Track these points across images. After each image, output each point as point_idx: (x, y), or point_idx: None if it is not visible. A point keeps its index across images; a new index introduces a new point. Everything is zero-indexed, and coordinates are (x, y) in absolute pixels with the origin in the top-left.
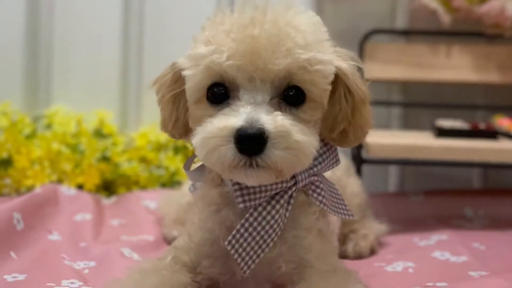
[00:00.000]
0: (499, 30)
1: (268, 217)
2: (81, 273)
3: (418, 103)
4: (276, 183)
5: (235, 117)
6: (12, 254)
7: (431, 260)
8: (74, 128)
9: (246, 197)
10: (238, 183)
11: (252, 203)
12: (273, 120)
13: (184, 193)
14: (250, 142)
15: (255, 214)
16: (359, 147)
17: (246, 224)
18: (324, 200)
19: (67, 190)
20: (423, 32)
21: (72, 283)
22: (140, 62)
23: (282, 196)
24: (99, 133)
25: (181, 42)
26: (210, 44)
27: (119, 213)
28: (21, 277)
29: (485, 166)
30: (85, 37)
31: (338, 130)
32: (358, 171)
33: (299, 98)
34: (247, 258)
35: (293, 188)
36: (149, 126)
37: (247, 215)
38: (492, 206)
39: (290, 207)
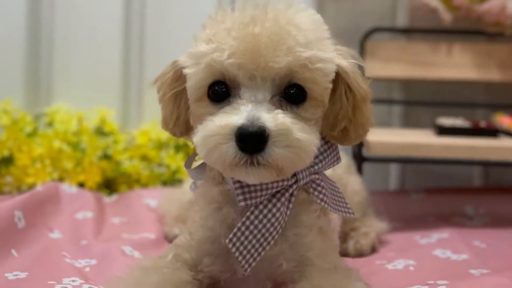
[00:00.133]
0: (500, 28)
1: (269, 215)
2: (82, 271)
3: (419, 101)
4: (277, 181)
5: (236, 115)
6: (13, 252)
7: (432, 258)
8: (75, 126)
9: (247, 195)
10: (239, 181)
11: (253, 201)
12: (274, 118)
13: (185, 191)
14: (251, 140)
15: (256, 212)
16: (360, 145)
17: (247, 222)
18: (325, 198)
19: (68, 188)
20: (424, 30)
21: (73, 281)
22: (141, 60)
23: (283, 194)
24: (100, 131)
25: (182, 40)
26: (211, 42)
27: (120, 211)
28: (22, 275)
29: (486, 164)
30: (86, 35)
31: (339, 128)
32: (359, 169)
33: (300, 96)
34: (248, 256)
35: (294, 186)
36: (150, 124)
37: (248, 213)
38: (493, 204)
39: (291, 205)
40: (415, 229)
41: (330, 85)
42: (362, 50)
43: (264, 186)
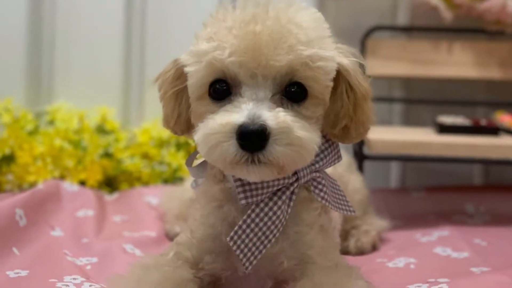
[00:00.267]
0: (501, 26)
1: (270, 213)
2: (83, 269)
3: (420, 100)
4: (278, 179)
5: (237, 113)
6: (15, 250)
7: (433, 256)
8: (77, 124)
9: (248, 193)
10: (240, 179)
11: (254, 199)
12: (275, 117)
13: (186, 189)
14: (252, 139)
15: (257, 210)
16: (361, 143)
17: (248, 220)
18: (326, 196)
19: (69, 186)
20: (424, 28)
21: (74, 279)
22: (142, 58)
23: (284, 192)
24: (101, 129)
25: (183, 39)
26: (212, 41)
27: (121, 209)
28: (23, 273)
29: (486, 162)
30: (88, 33)
31: (340, 126)
32: (360, 167)
33: (301, 94)
34: (249, 254)
35: (295, 184)
36: (151, 122)
37: (249, 211)
38: (493, 202)
39: (292, 203)
40: (416, 227)
41: (331, 83)
42: (363, 49)
43: (265, 184)
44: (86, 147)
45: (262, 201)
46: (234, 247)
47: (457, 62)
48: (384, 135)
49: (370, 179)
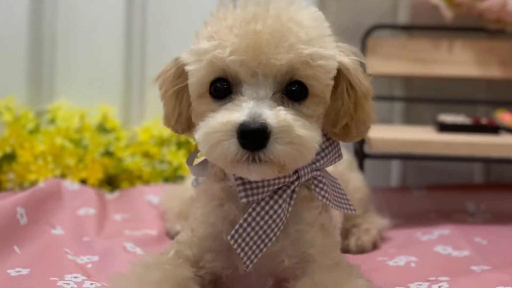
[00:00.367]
0: (501, 25)
1: (271, 212)
2: (84, 267)
3: (420, 98)
4: (279, 178)
5: (237, 112)
6: (16, 248)
7: (433, 255)
8: (78, 123)
9: (249, 192)
10: (240, 178)
11: (255, 197)
12: (276, 115)
13: (187, 187)
14: (253, 137)
15: (258, 208)
16: (362, 142)
17: (249, 219)
18: (326, 195)
19: (70, 184)
20: (425, 27)
21: (75, 277)
22: (143, 57)
23: (284, 191)
24: (102, 128)
25: (184, 37)
26: (213, 39)
27: (122, 207)
28: (24, 271)
29: (487, 161)
30: (89, 32)
31: (340, 125)
32: (361, 166)
33: (301, 93)
34: (249, 252)
35: (296, 183)
36: (152, 121)
37: (250, 210)
38: (494, 201)
39: (292, 202)
40: (417, 226)
41: (332, 82)
42: (363, 47)
43: (265, 183)
44: (87, 145)
45: (263, 199)
46: (235, 246)
47: (457, 61)
48: (385, 134)
49: (371, 177)
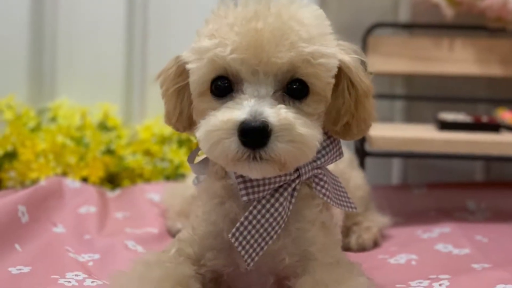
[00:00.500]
0: (502, 23)
1: (272, 210)
2: (85, 265)
3: (421, 96)
4: (280, 176)
5: (238, 110)
6: (17, 246)
7: (434, 253)
8: (79, 121)
9: (250, 190)
10: (241, 176)
11: (256, 195)
12: (277, 113)
13: (188, 185)
14: (254, 135)
15: (259, 206)
16: (362, 140)
17: (250, 217)
18: (327, 193)
19: (71, 183)
20: (426, 25)
21: (76, 275)
22: (144, 55)
23: (285, 189)
24: (103, 126)
25: (185, 36)
26: (214, 38)
27: (124, 205)
28: (25, 269)
29: (488, 159)
30: (90, 30)
31: (341, 123)
32: (361, 164)
33: (302, 91)
34: (250, 250)
35: (297, 181)
36: (153, 119)
37: (250, 208)
38: (495, 199)
39: (293, 200)
40: (417, 224)
41: (333, 80)
42: (364, 45)
43: (266, 181)
44: (88, 143)
45: (263, 197)
46: (236, 244)
47: (458, 59)
48: (386, 132)
49: (372, 175)
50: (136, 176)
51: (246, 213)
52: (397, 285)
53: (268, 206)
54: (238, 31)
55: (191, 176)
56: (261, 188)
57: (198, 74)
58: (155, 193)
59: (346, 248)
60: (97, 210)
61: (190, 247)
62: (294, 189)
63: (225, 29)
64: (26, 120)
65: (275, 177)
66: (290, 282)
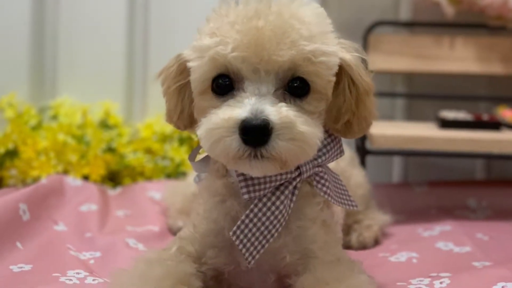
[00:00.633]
0: (502, 21)
1: (273, 208)
2: (86, 263)
3: (422, 95)
4: (281, 174)
5: (239, 108)
6: (18, 244)
7: (435, 251)
8: (80, 119)
9: (251, 188)
10: (242, 174)
11: (257, 193)
12: (278, 111)
13: (189, 183)
14: (255, 133)
15: (260, 204)
16: (363, 138)
17: (251, 215)
18: (328, 191)
19: (72, 181)
20: (426, 23)
21: (77, 273)
22: (145, 53)
23: (286, 187)
24: (104, 124)
25: (186, 34)
26: (215, 36)
27: (125, 203)
28: (27, 267)
29: (488, 157)
30: (91, 28)
31: (342, 121)
32: (362, 162)
33: (303, 89)
34: (251, 248)
35: (298, 179)
36: (154, 117)
37: (252, 206)
38: (495, 197)
39: (294, 198)
40: (418, 222)
41: (334, 78)
42: (365, 44)
43: (267, 179)
44: (89, 142)
45: (264, 195)
46: (237, 242)
47: (459, 57)
48: (387, 130)
49: (373, 173)
50: (137, 174)
51: (247, 211)
52: (398, 283)
53: (269, 204)
54: (239, 29)
55: (192, 174)
56: (262, 186)
57: (199, 72)
58: (156, 191)
59: (347, 246)
60: (98, 208)
61: (191, 245)
62: (295, 187)
63: (226, 27)
64: (27, 118)
65: (276, 175)
66: (291, 280)
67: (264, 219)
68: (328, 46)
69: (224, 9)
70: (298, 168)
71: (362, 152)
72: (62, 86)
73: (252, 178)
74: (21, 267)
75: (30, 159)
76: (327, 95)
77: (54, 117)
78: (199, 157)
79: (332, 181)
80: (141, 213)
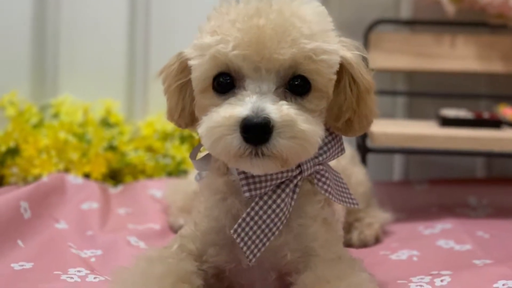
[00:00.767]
0: (503, 20)
1: (274, 206)
2: (88, 261)
3: (423, 93)
4: (282, 172)
5: (240, 106)
6: (19, 242)
7: (436, 249)
8: (81, 117)
9: (252, 186)
10: (243, 172)
11: (258, 192)
12: (279, 110)
13: (190, 181)
14: (256, 131)
15: (261, 202)
16: (364, 136)
17: (252, 213)
18: (329, 189)
19: (74, 179)
20: (427, 22)
21: (79, 271)
22: (146, 51)
23: (287, 185)
24: (105, 122)
25: (187, 32)
26: (216, 34)
27: (126, 201)
28: (28, 265)
29: (489, 155)
30: (92, 26)
31: (343, 119)
32: (363, 160)
33: (304, 87)
34: (252, 246)
35: (299, 177)
36: (156, 115)
37: (252, 204)
38: (496, 195)
39: (295, 196)
40: (419, 220)
41: (334, 77)
42: (366, 42)
43: (268, 177)
44: (90, 140)
45: (265, 194)
46: (238, 240)
47: (460, 56)
48: (387, 128)
49: (373, 172)
50: (138, 172)
51: (248, 209)
52: (399, 281)
53: (270, 202)
54: (240, 28)
55: (193, 172)
56: (263, 184)
57: (200, 70)
58: (157, 189)
59: (348, 244)
60: (99, 206)
61: (192, 243)
62: (296, 185)
63: (227, 25)
64: (29, 116)
65: (277, 173)
66: (292, 278)
67: (265, 217)
68: (329, 44)
69: (225, 7)
70: (299, 166)
71: (363, 150)
72: (63, 84)
73: (253, 176)
74: (22, 265)
75: (31, 157)
76: (328, 93)
77: (55, 115)
78: (200, 155)
79: (333, 179)
80: (142, 211)
